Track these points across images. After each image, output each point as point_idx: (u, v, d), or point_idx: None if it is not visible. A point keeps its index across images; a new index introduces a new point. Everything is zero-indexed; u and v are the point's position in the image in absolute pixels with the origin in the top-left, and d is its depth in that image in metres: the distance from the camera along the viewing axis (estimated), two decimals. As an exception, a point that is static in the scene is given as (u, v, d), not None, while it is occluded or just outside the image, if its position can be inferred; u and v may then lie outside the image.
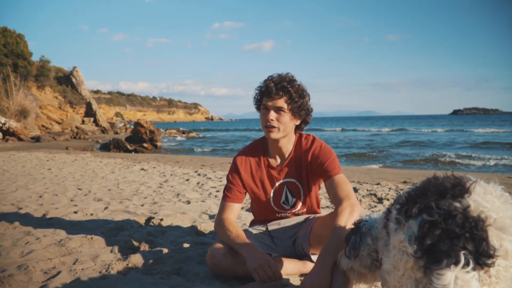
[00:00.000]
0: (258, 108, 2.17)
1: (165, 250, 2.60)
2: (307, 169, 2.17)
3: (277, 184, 2.22)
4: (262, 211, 2.33)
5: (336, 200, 2.00)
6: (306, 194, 2.24)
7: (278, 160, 2.23)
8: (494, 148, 16.66)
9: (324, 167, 2.08)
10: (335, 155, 2.15)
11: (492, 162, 11.76)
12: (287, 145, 2.18)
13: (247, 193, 2.28)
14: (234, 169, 2.25)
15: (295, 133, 2.22)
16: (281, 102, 2.04)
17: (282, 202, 2.25)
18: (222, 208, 2.23)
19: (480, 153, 14.59)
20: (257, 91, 2.15)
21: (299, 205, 2.26)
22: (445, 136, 26.74)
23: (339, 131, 41.49)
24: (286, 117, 2.06)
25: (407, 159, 13.28)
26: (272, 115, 2.05)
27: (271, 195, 2.24)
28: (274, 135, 2.08)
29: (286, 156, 2.20)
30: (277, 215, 2.30)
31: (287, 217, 2.32)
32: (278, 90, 2.03)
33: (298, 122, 2.15)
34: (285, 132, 2.11)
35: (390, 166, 11.58)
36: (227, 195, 2.23)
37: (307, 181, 2.20)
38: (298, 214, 2.31)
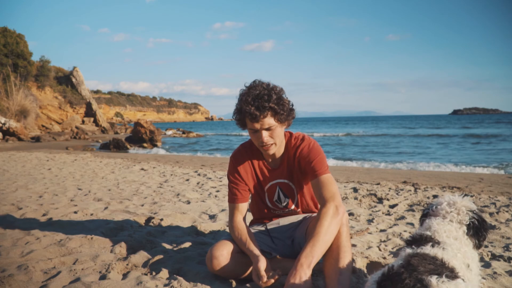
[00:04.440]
0: (242, 127, 2.11)
1: (165, 250, 2.60)
2: (297, 169, 2.18)
3: (270, 184, 2.23)
4: (258, 208, 2.35)
5: (321, 200, 2.01)
6: (300, 194, 2.25)
7: (271, 161, 2.23)
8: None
9: (311, 166, 2.08)
10: (324, 154, 2.14)
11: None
12: (280, 149, 2.18)
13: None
14: (233, 168, 2.25)
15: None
16: (268, 120, 1.99)
17: (275, 200, 2.27)
18: (232, 212, 2.22)
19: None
20: (237, 114, 2.06)
21: (292, 205, 2.28)
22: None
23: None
24: (278, 130, 2.04)
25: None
26: (265, 135, 2.01)
27: (265, 193, 2.26)
28: (273, 150, 2.09)
29: (279, 157, 2.21)
30: (272, 212, 2.32)
31: (282, 215, 2.33)
32: (261, 111, 1.95)
33: (287, 125, 2.14)
34: (281, 142, 2.11)
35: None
36: (233, 197, 2.22)
37: (299, 181, 2.21)
38: (293, 213, 2.32)
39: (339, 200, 2.00)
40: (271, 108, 1.97)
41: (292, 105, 2.11)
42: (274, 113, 1.99)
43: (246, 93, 2.00)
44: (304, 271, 1.82)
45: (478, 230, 1.73)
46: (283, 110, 2.01)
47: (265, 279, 1.87)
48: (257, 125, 1.99)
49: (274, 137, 2.04)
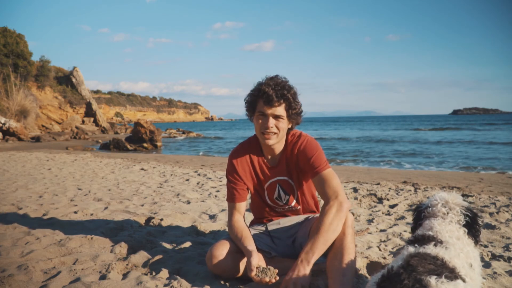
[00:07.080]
0: (250, 112, 2.13)
1: (165, 250, 2.60)
2: (296, 166, 2.19)
3: (269, 181, 2.24)
4: (258, 207, 2.36)
5: (324, 197, 2.04)
6: (299, 191, 2.26)
7: (271, 158, 2.24)
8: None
9: (310, 163, 2.09)
10: (321, 149, 2.15)
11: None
12: (279, 146, 2.20)
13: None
14: (232, 168, 2.26)
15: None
16: (281, 110, 2.04)
17: (275, 198, 2.28)
18: (230, 211, 2.23)
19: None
20: (252, 96, 2.10)
21: (293, 202, 2.28)
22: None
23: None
24: (284, 123, 2.08)
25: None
26: (271, 122, 2.04)
27: (265, 191, 2.27)
28: (272, 141, 2.10)
29: (278, 154, 2.22)
30: (272, 210, 2.33)
31: (283, 213, 2.33)
32: (279, 98, 2.01)
33: (291, 126, 2.16)
34: (281, 137, 2.13)
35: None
36: (232, 196, 2.23)
37: (298, 179, 2.22)
38: (294, 211, 2.33)
39: (343, 196, 2.00)
40: (287, 99, 2.04)
41: (301, 109, 2.15)
42: (288, 105, 2.05)
43: (267, 79, 2.07)
44: (303, 266, 1.86)
45: (471, 227, 1.74)
46: (296, 107, 2.07)
47: (254, 272, 1.86)
48: (269, 110, 2.04)
49: (279, 128, 2.07)
